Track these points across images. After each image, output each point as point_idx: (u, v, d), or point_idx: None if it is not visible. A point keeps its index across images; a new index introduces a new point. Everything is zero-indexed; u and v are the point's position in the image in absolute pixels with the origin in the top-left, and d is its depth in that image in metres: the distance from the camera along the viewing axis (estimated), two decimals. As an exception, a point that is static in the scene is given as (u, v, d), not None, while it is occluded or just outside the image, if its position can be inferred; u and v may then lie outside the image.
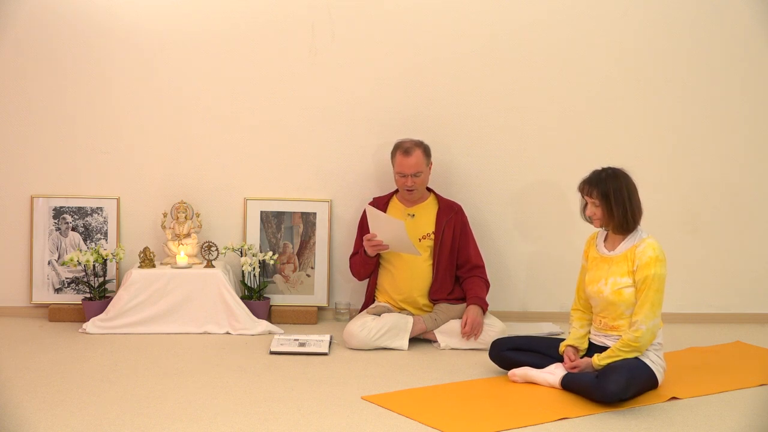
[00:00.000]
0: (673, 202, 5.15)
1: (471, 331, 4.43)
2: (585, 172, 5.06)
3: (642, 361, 3.72)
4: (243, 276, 4.94)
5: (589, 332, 3.94)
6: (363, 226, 4.74)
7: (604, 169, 3.84)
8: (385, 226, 4.44)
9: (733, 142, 5.16)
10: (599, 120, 5.09)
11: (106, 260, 4.80)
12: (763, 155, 5.19)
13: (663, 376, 3.80)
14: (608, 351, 3.71)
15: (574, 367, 3.78)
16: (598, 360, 3.71)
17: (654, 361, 3.75)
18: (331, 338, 4.53)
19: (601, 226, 3.86)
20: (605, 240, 3.89)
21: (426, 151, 4.62)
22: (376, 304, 4.65)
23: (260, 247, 5.01)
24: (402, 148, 4.58)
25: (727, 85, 5.12)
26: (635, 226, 3.79)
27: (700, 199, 5.16)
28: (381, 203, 4.73)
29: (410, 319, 4.50)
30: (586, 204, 3.86)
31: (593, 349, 3.88)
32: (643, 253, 3.71)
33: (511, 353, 3.96)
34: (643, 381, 3.70)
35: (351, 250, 4.84)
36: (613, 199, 3.75)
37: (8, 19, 4.82)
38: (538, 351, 3.96)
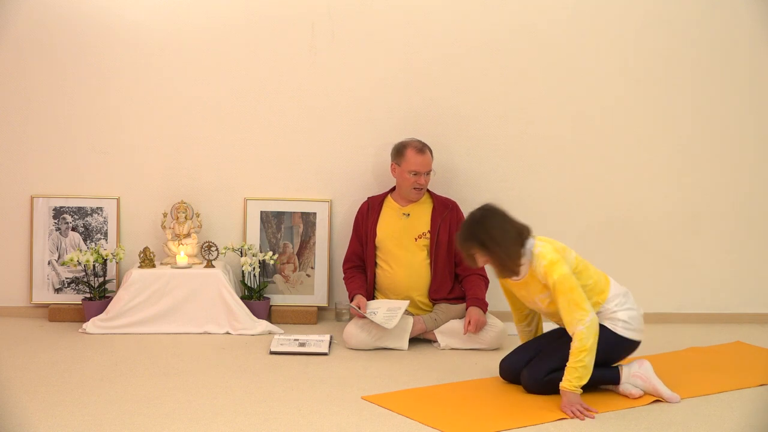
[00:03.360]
0: (674, 202, 5.15)
1: (476, 331, 4.44)
2: (585, 172, 5.10)
3: (606, 328, 3.68)
4: (243, 276, 4.94)
5: (536, 327, 3.99)
6: (358, 226, 4.75)
7: (471, 216, 3.71)
8: (386, 305, 4.51)
9: (734, 142, 5.16)
10: (599, 120, 5.08)
11: (106, 260, 4.80)
12: (764, 155, 5.18)
13: (639, 327, 3.76)
14: (568, 371, 3.55)
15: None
16: (568, 384, 3.54)
17: (618, 320, 3.70)
18: (331, 338, 4.53)
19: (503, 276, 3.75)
20: None
21: (431, 150, 4.66)
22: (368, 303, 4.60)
23: (260, 247, 5.01)
24: (414, 147, 4.60)
25: (728, 86, 5.11)
26: (517, 266, 3.64)
27: (701, 199, 5.16)
28: (376, 202, 4.74)
29: (410, 319, 4.50)
30: (472, 257, 3.71)
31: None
32: (539, 266, 3.62)
33: (554, 375, 3.69)
34: (612, 345, 3.68)
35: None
36: (490, 247, 3.61)
37: (8, 19, 4.82)
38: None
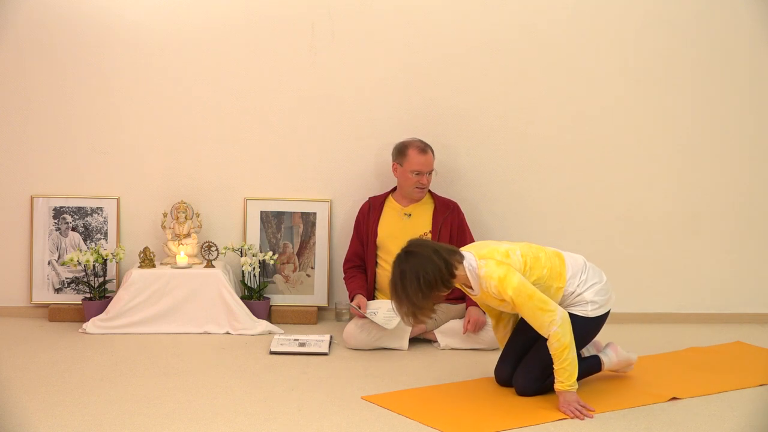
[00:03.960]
0: (674, 202, 5.15)
1: (475, 330, 4.44)
2: (585, 172, 5.10)
3: (576, 316, 3.65)
4: (243, 276, 4.94)
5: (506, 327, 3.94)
6: (359, 226, 4.75)
7: (392, 284, 3.55)
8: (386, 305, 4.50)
9: (734, 142, 5.16)
10: (599, 120, 5.08)
11: (106, 260, 4.80)
12: (764, 155, 5.18)
13: (608, 299, 3.74)
14: (558, 373, 3.52)
15: None
16: (562, 386, 3.52)
17: (586, 302, 3.68)
18: (331, 338, 4.53)
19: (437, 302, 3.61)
20: (464, 285, 3.67)
21: (433, 149, 4.66)
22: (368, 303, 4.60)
23: (260, 247, 5.01)
24: (416, 147, 4.60)
25: (728, 86, 5.11)
26: (448, 285, 3.52)
27: (701, 199, 5.16)
28: (377, 203, 4.74)
29: (410, 319, 4.50)
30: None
31: None
32: (490, 287, 3.53)
33: (544, 383, 3.70)
34: (584, 328, 3.67)
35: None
36: (412, 302, 3.49)
37: (8, 19, 4.82)
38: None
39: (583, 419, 3.47)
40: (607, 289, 3.77)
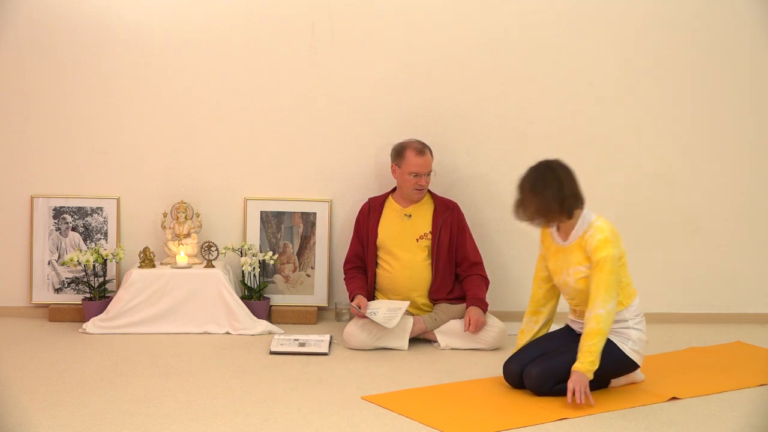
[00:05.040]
0: (674, 201, 5.15)
1: (476, 331, 4.43)
2: (585, 172, 5.07)
3: (614, 345, 3.70)
4: (243, 276, 4.94)
5: (541, 328, 3.93)
6: (359, 227, 4.75)
7: (536, 164, 3.76)
8: (387, 305, 4.50)
9: (734, 142, 5.16)
10: (599, 119, 5.08)
11: (106, 260, 4.80)
12: (764, 155, 5.18)
13: (642, 352, 3.79)
14: (582, 354, 3.57)
15: None
16: (582, 366, 3.56)
17: (628, 339, 3.73)
18: (331, 338, 4.53)
19: (541, 225, 3.77)
20: (558, 230, 3.82)
21: (431, 150, 4.65)
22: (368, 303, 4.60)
23: (260, 247, 5.01)
24: (414, 148, 4.59)
25: (728, 86, 5.11)
26: (569, 214, 3.66)
27: (701, 199, 5.16)
28: (377, 203, 4.74)
29: (410, 319, 4.50)
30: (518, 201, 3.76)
31: (568, 331, 3.90)
32: (592, 237, 3.66)
33: (562, 386, 3.66)
34: (615, 364, 3.71)
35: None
36: (541, 192, 3.64)
37: (8, 19, 4.82)
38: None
39: (582, 402, 3.51)
40: (645, 346, 3.82)
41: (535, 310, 3.95)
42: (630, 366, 3.78)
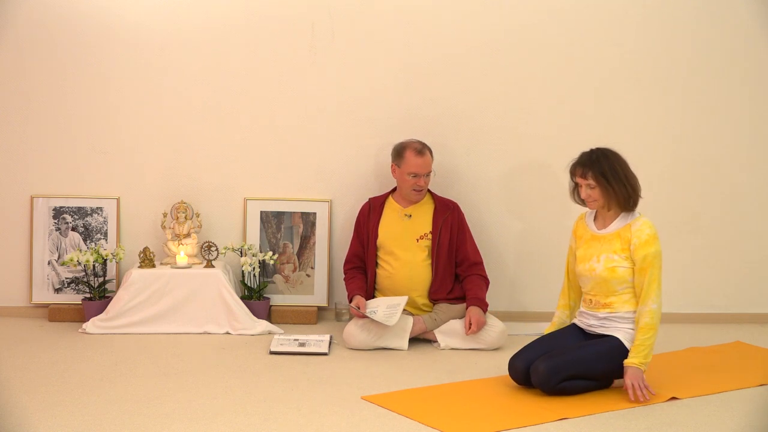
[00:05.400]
0: (674, 201, 5.15)
1: (477, 331, 4.43)
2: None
3: (624, 346, 3.73)
4: (243, 276, 4.94)
5: (570, 316, 3.99)
6: (360, 227, 4.74)
7: (593, 150, 3.83)
8: (386, 302, 4.50)
9: (734, 141, 5.16)
10: (600, 119, 5.08)
11: (106, 260, 4.80)
12: (764, 155, 5.18)
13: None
14: (636, 348, 3.64)
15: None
16: (635, 360, 3.62)
17: (630, 333, 3.76)
18: (331, 338, 4.53)
19: (599, 207, 3.84)
20: (595, 219, 3.89)
21: (431, 151, 4.65)
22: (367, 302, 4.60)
23: (260, 247, 5.01)
24: (414, 149, 4.58)
25: (727, 85, 5.12)
26: (637, 202, 3.79)
27: (701, 199, 5.16)
28: (377, 203, 4.73)
29: (410, 319, 4.50)
30: (577, 186, 3.87)
31: (576, 330, 3.90)
32: (641, 231, 3.72)
33: (567, 384, 3.70)
34: (616, 361, 3.73)
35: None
36: (611, 178, 3.75)
37: (8, 19, 4.82)
38: (593, 378, 3.76)
39: (642, 400, 3.59)
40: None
41: (567, 303, 4.01)
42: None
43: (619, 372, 3.75)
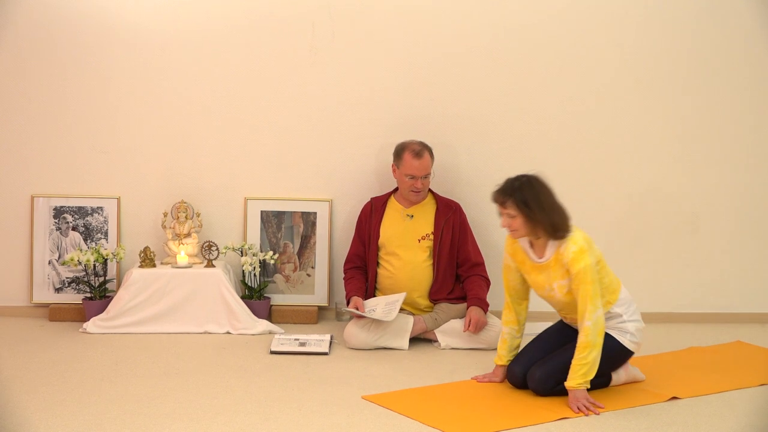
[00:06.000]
0: (674, 201, 5.15)
1: (476, 331, 4.43)
2: (586, 172, 5.11)
3: (614, 339, 3.71)
4: (243, 276, 4.94)
5: (519, 330, 3.89)
6: (361, 227, 4.74)
7: (517, 177, 3.64)
8: (385, 300, 4.51)
9: (734, 142, 5.16)
10: (600, 119, 5.08)
11: (106, 260, 4.80)
12: (764, 155, 5.18)
13: (640, 341, 3.80)
14: (573, 369, 3.57)
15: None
16: (573, 383, 3.56)
17: (627, 333, 3.74)
18: (331, 338, 4.53)
19: (521, 237, 3.68)
20: (532, 246, 3.72)
21: (431, 152, 4.63)
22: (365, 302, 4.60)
23: (260, 246, 5.01)
24: (412, 151, 4.57)
25: (728, 86, 5.11)
26: (567, 230, 3.61)
27: (701, 199, 5.16)
28: (379, 203, 4.73)
29: (410, 318, 4.50)
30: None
31: (568, 327, 3.89)
32: (568, 250, 3.58)
33: (561, 386, 3.68)
34: (615, 357, 3.72)
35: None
36: (534, 207, 3.56)
37: (8, 19, 4.82)
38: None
39: (589, 415, 3.49)
40: (642, 333, 3.83)
41: (514, 319, 3.89)
42: (628, 355, 3.80)
43: (616, 366, 3.76)
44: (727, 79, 5.11)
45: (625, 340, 3.75)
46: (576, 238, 3.61)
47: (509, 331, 3.89)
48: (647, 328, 3.90)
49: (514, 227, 3.63)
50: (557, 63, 5.03)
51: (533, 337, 3.99)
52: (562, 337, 3.85)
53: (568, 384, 3.57)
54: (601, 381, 3.77)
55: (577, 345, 3.58)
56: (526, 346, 3.90)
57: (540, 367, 3.70)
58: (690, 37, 5.06)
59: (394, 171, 4.68)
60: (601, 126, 5.09)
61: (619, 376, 3.86)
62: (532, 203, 3.57)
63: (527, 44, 5.01)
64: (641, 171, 5.14)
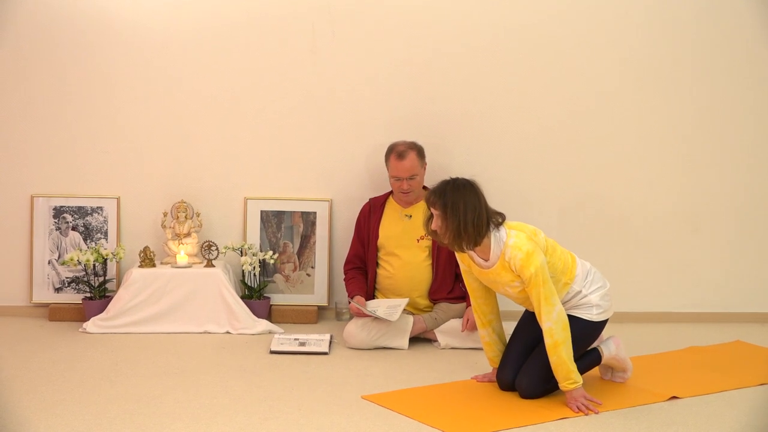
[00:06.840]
0: (674, 201, 5.15)
1: (473, 330, 4.43)
2: (586, 172, 5.11)
3: (580, 319, 3.66)
4: (243, 275, 4.94)
5: (495, 331, 3.84)
6: (360, 228, 4.74)
7: (449, 180, 3.58)
8: (386, 303, 4.50)
9: (734, 141, 5.16)
10: (600, 119, 5.08)
11: (106, 260, 4.80)
12: (764, 155, 5.18)
13: (610, 305, 3.76)
14: (556, 375, 3.55)
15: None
16: (565, 386, 3.54)
17: (592, 306, 3.69)
18: (331, 338, 4.53)
19: (444, 242, 3.58)
20: (475, 251, 3.63)
21: (420, 152, 4.61)
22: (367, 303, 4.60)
23: (260, 246, 5.01)
24: (396, 152, 4.56)
25: (728, 85, 5.11)
26: (469, 244, 3.52)
27: (701, 199, 5.16)
28: (377, 204, 4.73)
29: (410, 318, 4.50)
30: (431, 216, 3.59)
31: None
32: (514, 258, 3.51)
33: (548, 386, 3.68)
34: (588, 335, 3.70)
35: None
36: (449, 213, 3.49)
37: (8, 19, 4.82)
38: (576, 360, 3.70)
39: (588, 414, 3.49)
40: (610, 295, 3.79)
41: (487, 321, 3.85)
42: (602, 325, 3.75)
43: (591, 341, 3.74)
44: (727, 79, 5.11)
45: (592, 315, 3.69)
46: (518, 244, 3.52)
47: (486, 333, 3.86)
48: (648, 327, 3.91)
49: (441, 230, 3.55)
50: (557, 63, 5.03)
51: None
52: (537, 327, 3.69)
53: (561, 388, 3.57)
54: (593, 357, 3.75)
55: (546, 348, 3.54)
56: (507, 348, 3.84)
57: (525, 375, 3.67)
58: (690, 38, 5.07)
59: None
60: (601, 126, 5.09)
61: (609, 349, 3.80)
62: (450, 210, 3.49)
63: (527, 44, 5.01)
64: (641, 170, 5.14)
